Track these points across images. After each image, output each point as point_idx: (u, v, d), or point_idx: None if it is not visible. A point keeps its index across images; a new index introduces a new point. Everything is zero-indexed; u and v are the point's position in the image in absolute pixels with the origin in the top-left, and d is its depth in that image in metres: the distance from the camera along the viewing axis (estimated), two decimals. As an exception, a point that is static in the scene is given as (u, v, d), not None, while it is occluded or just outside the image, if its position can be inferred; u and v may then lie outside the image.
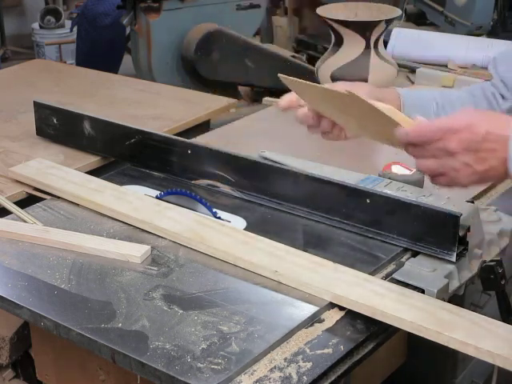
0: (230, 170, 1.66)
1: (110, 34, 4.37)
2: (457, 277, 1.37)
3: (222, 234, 1.46)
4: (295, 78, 1.34)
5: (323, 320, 1.25)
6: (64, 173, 1.74)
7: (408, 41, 2.60)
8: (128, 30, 3.97)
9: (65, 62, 4.87)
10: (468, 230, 1.39)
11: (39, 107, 1.98)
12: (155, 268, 1.39)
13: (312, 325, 1.24)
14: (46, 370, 1.51)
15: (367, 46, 2.15)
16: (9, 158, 1.90)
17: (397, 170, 1.66)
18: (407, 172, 1.65)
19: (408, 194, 1.52)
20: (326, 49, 2.30)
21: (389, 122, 1.17)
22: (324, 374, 1.14)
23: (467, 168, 1.08)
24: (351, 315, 1.26)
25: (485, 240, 1.46)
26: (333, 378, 1.15)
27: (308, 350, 1.18)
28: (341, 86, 1.34)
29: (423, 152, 1.11)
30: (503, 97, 1.44)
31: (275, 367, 1.14)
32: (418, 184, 1.62)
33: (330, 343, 1.19)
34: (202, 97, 2.40)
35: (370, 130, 1.29)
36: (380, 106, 1.20)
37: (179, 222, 1.51)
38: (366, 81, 2.16)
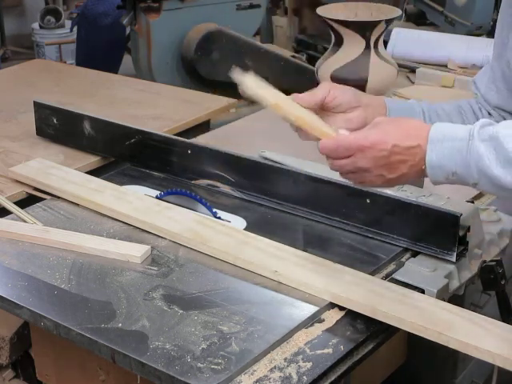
0: (230, 170, 1.66)
1: (110, 34, 4.37)
2: (457, 277, 1.37)
3: (222, 234, 1.46)
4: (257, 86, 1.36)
5: (323, 320, 1.25)
6: (64, 173, 1.74)
7: (408, 41, 2.61)
8: (128, 30, 3.97)
9: (65, 62, 4.87)
10: (468, 230, 1.39)
11: (39, 107, 1.98)
12: (155, 268, 1.39)
13: (312, 325, 1.24)
14: (46, 370, 1.51)
15: (367, 46, 2.15)
16: (9, 158, 1.90)
17: (397, 170, 1.65)
18: (407, 172, 1.65)
19: (408, 194, 1.52)
20: (325, 49, 2.30)
21: (312, 131, 1.25)
22: (324, 374, 1.14)
23: (380, 178, 1.18)
24: (351, 315, 1.26)
25: (485, 240, 1.46)
26: (333, 378, 1.15)
27: (308, 350, 1.18)
28: (324, 87, 1.35)
29: (338, 164, 1.20)
30: (489, 113, 1.46)
31: (275, 367, 1.14)
32: (418, 184, 1.62)
33: (330, 343, 1.19)
34: (202, 97, 2.40)
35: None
36: (303, 114, 1.25)
37: (179, 221, 1.51)
38: (366, 81, 2.16)
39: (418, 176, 1.20)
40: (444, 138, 1.15)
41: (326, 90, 1.33)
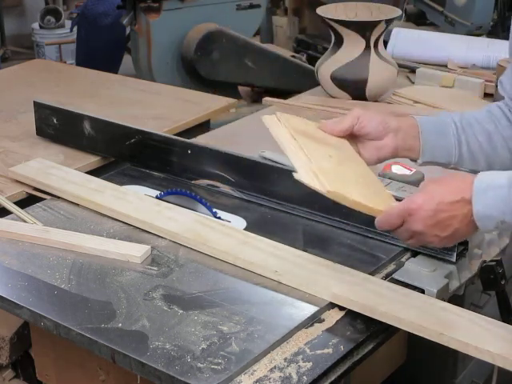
0: (230, 170, 1.66)
1: (110, 34, 4.37)
2: (457, 277, 1.37)
3: (222, 234, 1.46)
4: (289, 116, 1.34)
5: (323, 320, 1.25)
6: (64, 173, 1.74)
7: (408, 41, 2.60)
8: (128, 30, 3.97)
9: (65, 62, 4.87)
10: (468, 230, 1.39)
11: (39, 107, 1.98)
12: (155, 268, 1.39)
13: (312, 325, 1.24)
14: (46, 370, 1.51)
15: (367, 46, 2.15)
16: (9, 158, 1.90)
17: (397, 170, 1.66)
18: (407, 172, 1.65)
19: (408, 194, 1.52)
20: (325, 49, 2.30)
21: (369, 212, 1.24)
22: (324, 374, 1.14)
23: (436, 237, 1.19)
24: (351, 315, 1.26)
25: (485, 240, 1.46)
26: (333, 378, 1.15)
27: (308, 350, 1.18)
28: (352, 116, 1.34)
29: (397, 233, 1.23)
30: None
31: (275, 367, 1.14)
32: (418, 184, 1.62)
33: (330, 343, 1.19)
34: (202, 97, 2.40)
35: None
36: (357, 198, 1.22)
37: (179, 222, 1.51)
38: (365, 81, 2.16)
39: (471, 229, 1.19)
40: (487, 187, 1.16)
41: (355, 118, 1.34)
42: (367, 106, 2.17)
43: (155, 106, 2.27)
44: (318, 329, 1.23)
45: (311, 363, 1.15)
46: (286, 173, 1.59)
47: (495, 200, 1.15)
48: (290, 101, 2.27)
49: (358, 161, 1.34)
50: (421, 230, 1.16)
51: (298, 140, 1.28)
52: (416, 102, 2.19)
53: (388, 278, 1.37)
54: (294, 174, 1.20)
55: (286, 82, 3.61)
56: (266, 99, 2.29)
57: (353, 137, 1.35)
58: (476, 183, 1.17)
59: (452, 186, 1.19)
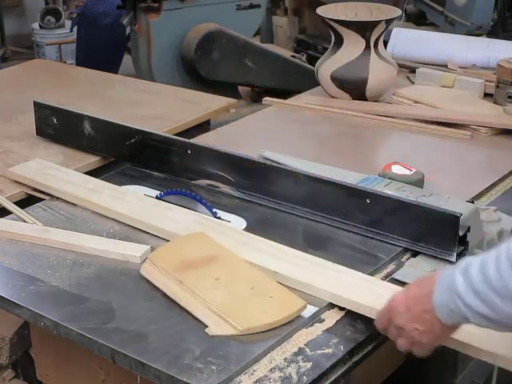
0: (230, 170, 1.66)
1: (110, 34, 4.37)
2: (457, 277, 1.37)
3: (221, 234, 1.46)
4: None
5: (323, 320, 1.25)
6: (62, 173, 1.73)
7: (408, 41, 2.60)
8: (128, 30, 3.97)
9: (65, 62, 4.87)
10: (468, 230, 1.39)
11: (39, 107, 1.98)
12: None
13: (312, 325, 1.24)
14: (46, 370, 1.51)
15: (367, 46, 2.15)
16: (9, 158, 1.90)
17: (397, 169, 1.66)
18: (407, 172, 1.65)
19: (408, 194, 1.52)
20: (325, 49, 2.30)
21: None
22: (324, 374, 1.14)
23: (416, 331, 1.14)
24: (351, 315, 1.26)
25: (485, 240, 1.46)
26: (333, 378, 1.15)
27: (308, 350, 1.18)
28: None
29: (390, 332, 1.19)
30: None
31: (275, 367, 1.14)
32: (418, 184, 1.62)
33: (330, 343, 1.19)
34: (202, 97, 2.40)
35: None
36: None
37: (179, 222, 1.51)
38: (365, 81, 2.16)
39: (441, 325, 1.13)
40: (443, 278, 1.11)
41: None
42: (367, 106, 2.17)
43: (155, 106, 2.27)
44: (317, 329, 1.23)
45: (311, 363, 1.15)
46: (286, 173, 1.60)
47: (448, 289, 1.09)
48: (290, 101, 2.27)
49: (241, 267, 1.35)
50: (401, 324, 1.15)
51: (180, 277, 1.30)
52: (416, 101, 2.19)
53: (388, 278, 1.37)
54: (206, 330, 1.20)
55: (286, 82, 3.61)
56: (266, 99, 2.29)
57: None
58: (437, 277, 1.13)
59: (423, 281, 1.17)
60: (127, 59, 4.33)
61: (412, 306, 1.14)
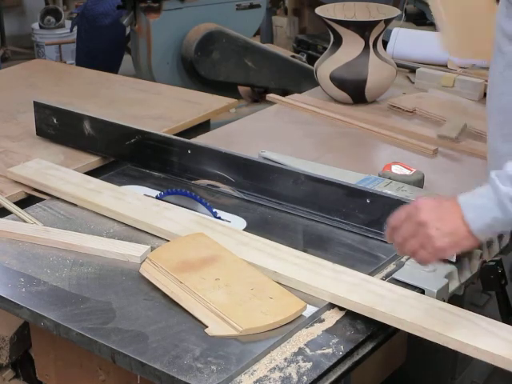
0: (229, 170, 1.66)
1: (109, 34, 4.37)
2: (457, 277, 1.37)
3: (221, 234, 1.46)
4: None
5: (323, 320, 1.25)
6: (62, 173, 1.73)
7: (408, 41, 2.60)
8: (128, 30, 3.97)
9: (65, 62, 4.87)
10: (468, 229, 1.39)
11: (39, 107, 1.98)
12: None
13: (312, 325, 1.24)
14: (46, 370, 1.51)
15: (366, 46, 2.15)
16: (9, 158, 1.90)
17: (397, 169, 1.66)
18: (407, 172, 1.65)
19: (408, 194, 1.52)
20: (325, 49, 2.30)
21: None
22: (324, 374, 1.14)
23: (438, 231, 1.14)
24: (351, 315, 1.25)
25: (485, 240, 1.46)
26: (333, 378, 1.15)
27: (308, 350, 1.18)
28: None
29: (402, 231, 1.18)
30: None
31: (275, 367, 1.14)
32: (418, 184, 1.62)
33: (330, 343, 1.19)
34: (202, 97, 2.40)
35: None
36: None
37: (178, 222, 1.51)
38: (365, 81, 2.16)
39: (467, 232, 1.14)
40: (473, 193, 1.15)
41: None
42: (367, 110, 2.17)
43: (155, 106, 2.27)
44: (318, 329, 1.23)
45: (311, 363, 1.15)
46: (286, 173, 1.60)
47: (480, 195, 1.13)
48: (293, 99, 2.26)
49: (241, 267, 1.35)
50: (425, 219, 1.14)
51: (180, 277, 1.30)
52: (413, 110, 2.17)
53: (388, 278, 1.37)
54: (206, 330, 1.20)
55: (286, 82, 3.61)
56: (270, 96, 2.29)
57: None
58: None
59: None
60: (127, 59, 4.34)
61: (445, 203, 1.14)
